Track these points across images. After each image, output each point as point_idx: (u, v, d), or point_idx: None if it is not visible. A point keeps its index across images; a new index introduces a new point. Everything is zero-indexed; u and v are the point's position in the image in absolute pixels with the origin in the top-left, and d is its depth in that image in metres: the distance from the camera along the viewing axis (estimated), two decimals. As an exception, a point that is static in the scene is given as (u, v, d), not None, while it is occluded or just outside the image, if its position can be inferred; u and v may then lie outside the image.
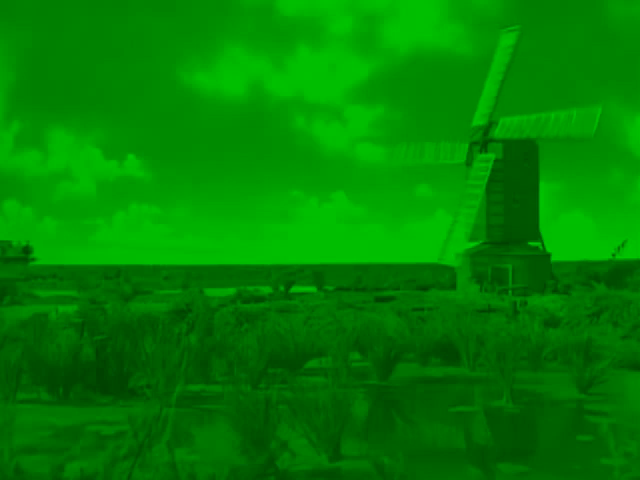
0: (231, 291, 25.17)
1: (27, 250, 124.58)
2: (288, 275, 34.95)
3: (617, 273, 28.46)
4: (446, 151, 31.85)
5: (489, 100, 30.38)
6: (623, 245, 25.88)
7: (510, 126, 29.41)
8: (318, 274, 37.17)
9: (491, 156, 29.92)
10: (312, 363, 10.13)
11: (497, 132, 29.77)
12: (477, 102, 31.08)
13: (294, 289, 31.33)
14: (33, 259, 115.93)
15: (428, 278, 37.70)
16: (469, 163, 31.12)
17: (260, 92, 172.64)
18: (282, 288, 30.99)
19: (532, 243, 31.64)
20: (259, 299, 23.41)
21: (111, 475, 3.95)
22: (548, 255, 31.40)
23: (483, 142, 30.52)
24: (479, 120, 30.55)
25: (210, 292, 26.13)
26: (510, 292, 27.78)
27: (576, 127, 27.55)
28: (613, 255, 26.46)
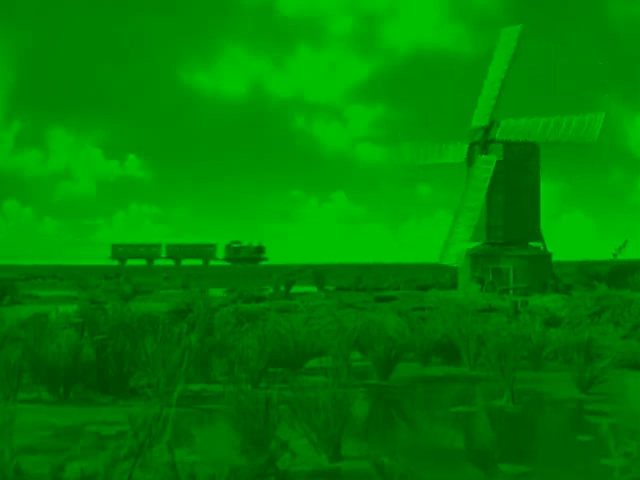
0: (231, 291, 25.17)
1: (260, 250, 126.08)
2: (288, 275, 34.94)
3: (618, 273, 28.44)
4: (448, 150, 31.79)
5: (490, 100, 30.27)
6: (624, 245, 25.89)
7: (512, 128, 29.34)
8: (318, 274, 37.14)
9: (493, 158, 29.88)
10: (312, 363, 10.13)
11: (499, 133, 29.70)
12: (476, 102, 31.01)
13: (294, 289, 31.32)
14: (265, 259, 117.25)
15: (428, 278, 37.68)
16: (470, 163, 31.10)
17: (260, 92, 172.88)
18: (282, 288, 30.98)
19: (533, 243, 31.63)
20: (259, 299, 23.41)
21: (111, 475, 3.95)
22: (549, 255, 31.39)
23: (484, 143, 30.47)
24: (479, 120, 30.45)
25: (210, 292, 26.12)
26: (511, 292, 27.77)
27: (579, 132, 27.50)
28: (614, 255, 26.46)
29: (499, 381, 8.19)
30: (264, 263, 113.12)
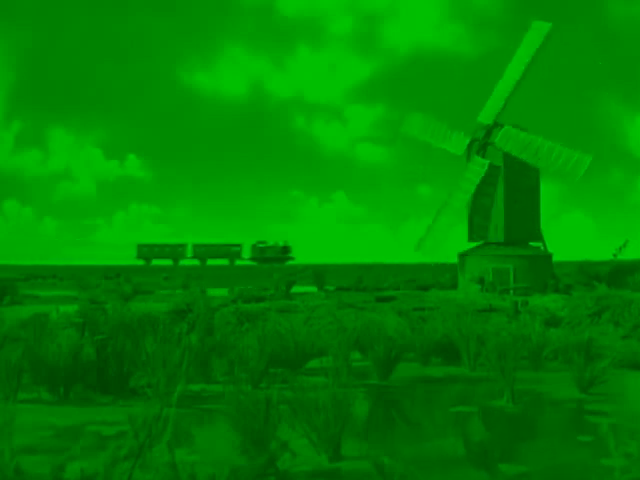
0: (229, 291, 25.18)
1: (286, 250, 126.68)
2: (289, 275, 34.93)
3: (618, 273, 28.44)
4: (452, 138, 31.62)
5: (500, 100, 29.98)
6: (625, 245, 25.92)
7: (511, 139, 29.18)
8: (318, 274, 37.14)
9: (486, 162, 29.89)
10: (313, 363, 10.13)
11: (498, 140, 29.62)
12: (478, 101, 30.84)
13: (294, 289, 31.32)
14: (292, 258, 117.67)
15: (428, 278, 37.68)
16: (468, 159, 31.06)
17: (260, 92, 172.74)
18: (283, 288, 30.99)
19: (533, 243, 31.63)
20: (259, 299, 23.41)
21: (111, 475, 3.95)
22: (549, 255, 31.39)
23: (483, 143, 30.46)
24: (485, 118, 30.24)
25: (210, 292, 26.13)
26: (511, 292, 27.78)
27: (566, 166, 27.43)
28: (614, 255, 26.49)
29: (499, 381, 8.19)
30: (290, 263, 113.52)
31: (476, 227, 31.10)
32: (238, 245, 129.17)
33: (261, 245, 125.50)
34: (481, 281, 29.53)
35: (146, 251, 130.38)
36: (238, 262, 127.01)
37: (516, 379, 8.06)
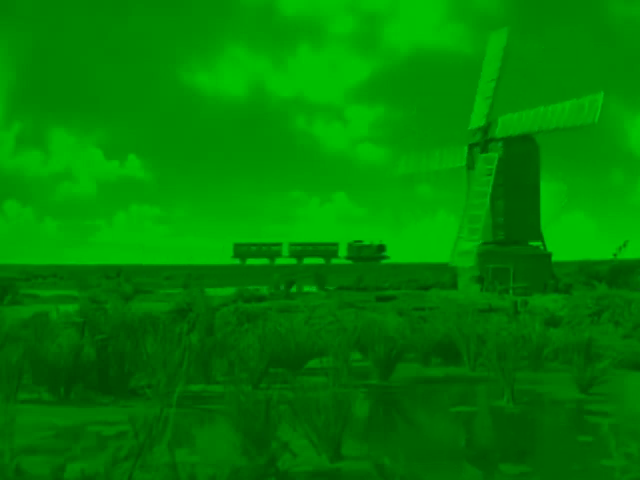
0: (231, 291, 25.18)
1: (381, 249, 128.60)
2: (289, 275, 34.94)
3: (618, 272, 28.45)
4: (449, 155, 31.86)
5: (485, 100, 30.31)
6: (625, 245, 25.90)
7: (510, 123, 29.31)
8: (319, 274, 37.16)
9: (494, 155, 29.89)
10: (313, 363, 10.13)
11: (498, 131, 29.69)
12: (472, 104, 31.08)
13: (295, 289, 31.32)
14: (387, 257, 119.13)
15: (429, 278, 37.70)
16: (470, 166, 31.08)
17: (261, 92, 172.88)
18: (283, 287, 31.00)
19: (533, 243, 31.63)
20: (260, 299, 23.41)
21: (112, 476, 3.95)
22: (549, 255, 31.39)
23: (484, 142, 30.47)
24: (477, 122, 30.48)
25: (211, 292, 26.12)
26: (511, 292, 27.78)
27: (579, 115, 27.17)
28: (615, 255, 26.47)
29: (499, 381, 8.19)
30: (385, 262, 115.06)
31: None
32: (335, 244, 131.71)
33: (357, 244, 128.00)
34: (481, 281, 29.54)
35: (243, 250, 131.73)
36: (334, 261, 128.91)
37: (516, 379, 8.07)
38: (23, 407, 7.54)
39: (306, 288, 32.06)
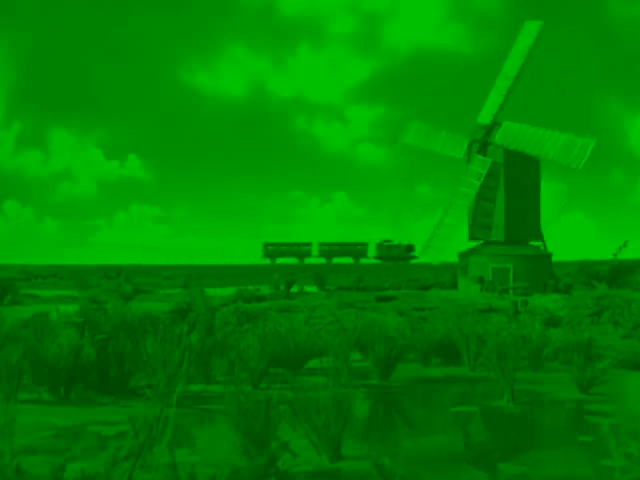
0: (231, 290, 25.19)
1: (410, 249, 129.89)
2: (289, 275, 34.95)
3: (618, 272, 28.45)
4: (451, 142, 31.66)
5: (497, 98, 30.00)
6: (625, 245, 25.90)
7: (511, 133, 29.14)
8: (319, 274, 37.16)
9: (488, 160, 29.86)
10: (313, 363, 10.13)
11: (498, 137, 29.60)
12: (479, 101, 30.90)
13: (295, 289, 31.32)
14: (415, 257, 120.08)
15: (429, 278, 37.70)
16: (468, 160, 31.05)
17: (261, 92, 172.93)
18: (283, 287, 31.00)
19: (533, 243, 31.62)
20: (260, 298, 23.42)
21: (112, 476, 3.95)
22: (549, 255, 31.40)
23: (483, 143, 30.44)
24: (484, 118, 30.26)
25: (211, 292, 26.12)
26: (511, 292, 27.78)
27: (568, 154, 27.24)
28: (615, 255, 26.48)
29: (499, 381, 8.19)
30: (414, 261, 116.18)
31: (476, 226, 31.11)
32: (364, 244, 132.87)
33: (387, 244, 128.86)
34: (481, 281, 29.54)
35: (272, 250, 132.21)
36: (363, 260, 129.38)
37: (516, 379, 8.07)
38: (23, 407, 7.54)
39: (307, 288, 32.07)
